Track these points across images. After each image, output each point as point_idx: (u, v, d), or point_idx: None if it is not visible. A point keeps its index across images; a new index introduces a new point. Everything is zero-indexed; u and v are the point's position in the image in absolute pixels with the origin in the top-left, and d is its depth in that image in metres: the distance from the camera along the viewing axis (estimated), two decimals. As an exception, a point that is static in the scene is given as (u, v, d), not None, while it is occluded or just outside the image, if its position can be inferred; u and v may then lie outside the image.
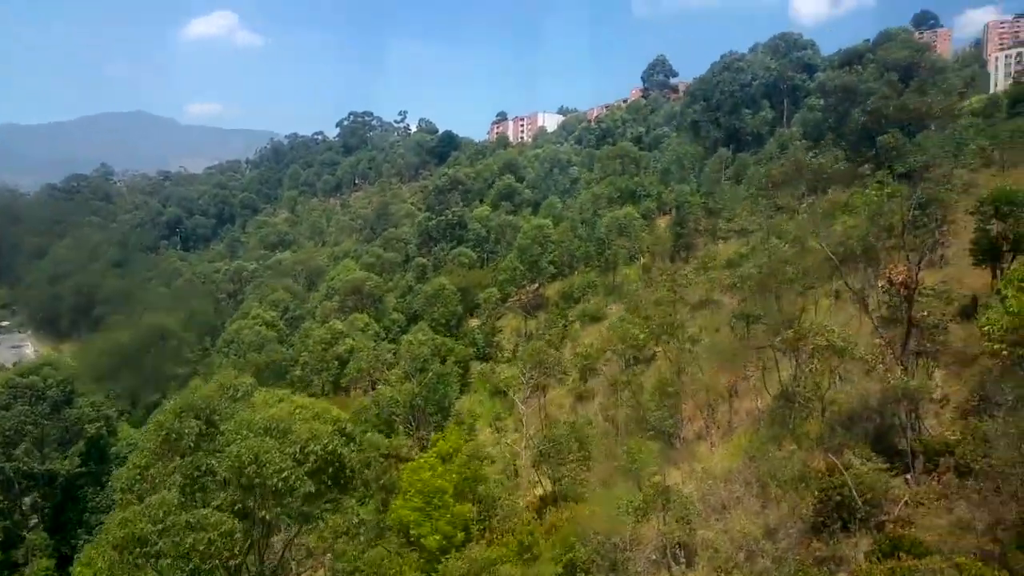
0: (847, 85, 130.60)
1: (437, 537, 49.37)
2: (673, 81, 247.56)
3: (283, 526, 42.89)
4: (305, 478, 35.57)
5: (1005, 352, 35.60)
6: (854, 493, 35.57)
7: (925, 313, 44.48)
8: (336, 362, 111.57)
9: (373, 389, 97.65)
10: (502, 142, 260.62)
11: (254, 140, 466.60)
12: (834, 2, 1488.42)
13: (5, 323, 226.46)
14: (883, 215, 47.79)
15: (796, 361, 51.76)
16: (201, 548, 32.55)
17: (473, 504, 54.20)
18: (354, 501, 52.59)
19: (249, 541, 36.78)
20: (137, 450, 47.10)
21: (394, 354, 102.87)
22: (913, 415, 40.21)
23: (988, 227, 53.46)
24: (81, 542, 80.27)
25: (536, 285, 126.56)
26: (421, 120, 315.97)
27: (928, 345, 44.99)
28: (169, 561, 33.44)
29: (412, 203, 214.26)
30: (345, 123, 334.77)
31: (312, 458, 36.38)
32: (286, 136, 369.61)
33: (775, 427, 50.52)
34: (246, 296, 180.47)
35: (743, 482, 45.06)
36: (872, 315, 47.64)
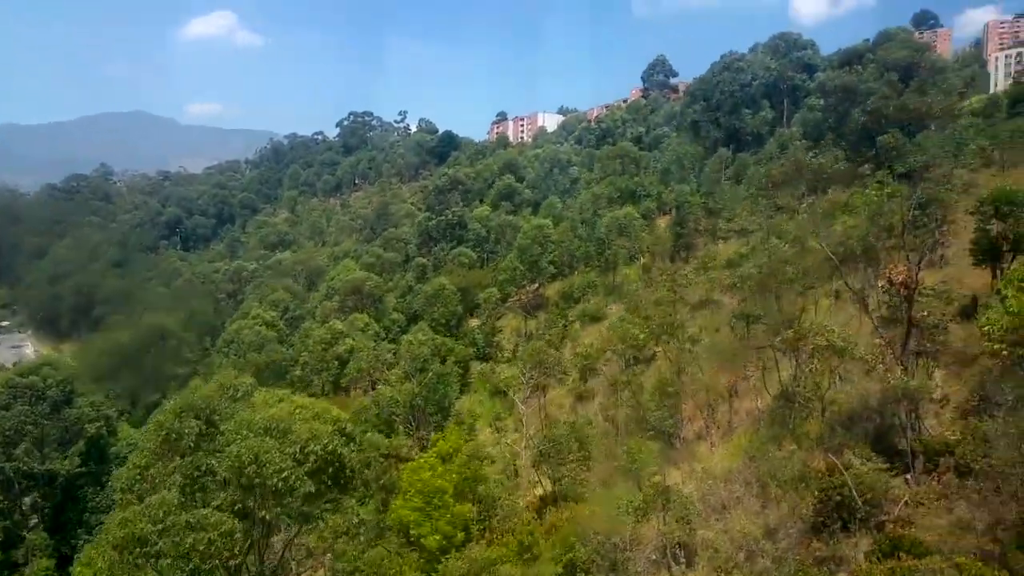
0: (847, 85, 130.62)
1: (437, 537, 49.37)
2: (673, 81, 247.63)
3: (283, 526, 42.89)
4: (305, 478, 35.56)
5: (1005, 352, 35.59)
6: (854, 493, 35.57)
7: (925, 313, 44.48)
8: (336, 362, 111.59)
9: (373, 389, 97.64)
10: (502, 142, 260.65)
11: (254, 140, 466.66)
12: (834, 2, 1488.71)
13: (5, 323, 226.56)
14: (883, 215, 47.77)
15: (796, 361, 51.75)
16: (201, 548, 32.55)
17: (473, 504, 54.20)
18: (354, 501, 52.65)
19: (249, 541, 36.77)
20: (137, 450, 47.10)
21: (394, 354, 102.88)
22: (913, 415, 40.20)
23: (988, 227, 53.45)
24: (81, 542, 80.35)
25: (536, 285, 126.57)
26: (421, 120, 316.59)
27: (928, 345, 44.97)
28: (169, 561, 33.43)
29: (412, 203, 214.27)
30: (345, 123, 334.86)
31: (312, 458, 36.37)
32: (286, 136, 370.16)
33: (775, 427, 50.51)
34: (246, 296, 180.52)
35: (743, 482, 45.05)
36: (872, 315, 47.62)
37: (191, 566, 33.85)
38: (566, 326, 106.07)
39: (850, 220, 57.57)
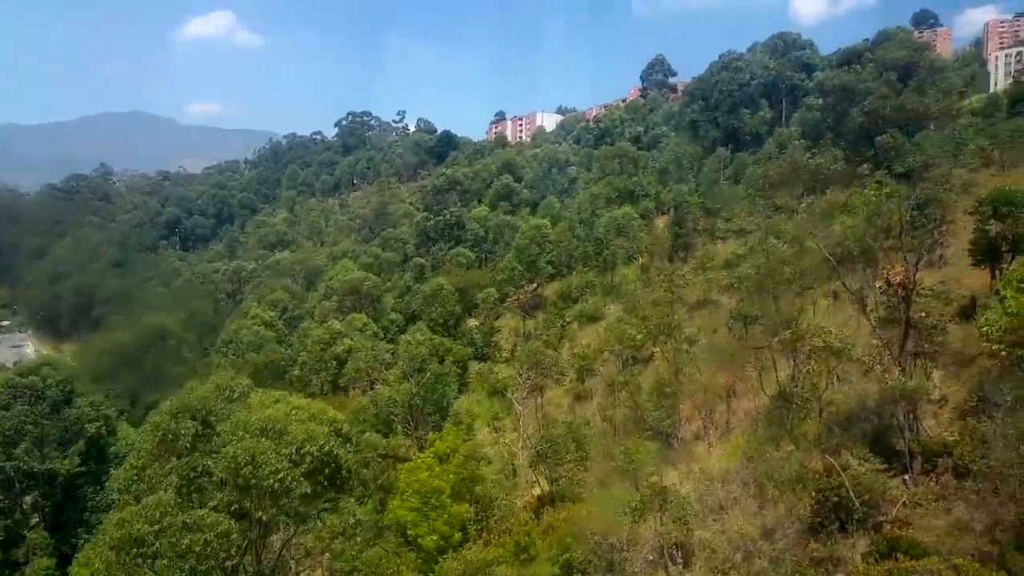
0: (845, 85, 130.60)
1: (434, 537, 49.33)
2: (672, 81, 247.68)
3: (281, 526, 42.86)
4: (301, 479, 35.56)
5: (1004, 353, 35.51)
6: (851, 494, 35.49)
7: (923, 314, 44.39)
8: (334, 362, 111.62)
9: (372, 389, 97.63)
10: (500, 142, 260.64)
11: (253, 140, 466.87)
12: (834, 2, 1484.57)
13: (6, 323, 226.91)
14: (880, 216, 47.67)
15: (794, 362, 51.69)
16: (197, 549, 32.52)
17: (470, 504, 54.15)
18: (353, 500, 52.69)
19: (246, 542, 36.72)
20: (134, 451, 47.05)
21: (392, 354, 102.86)
22: (911, 416, 40.11)
23: (987, 227, 53.37)
24: (81, 541, 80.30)
25: (534, 285, 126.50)
26: (420, 120, 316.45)
27: (926, 346, 44.89)
28: (166, 562, 33.42)
29: (410, 203, 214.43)
30: (344, 123, 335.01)
31: (308, 459, 36.37)
32: (285, 136, 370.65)
33: (773, 428, 50.40)
34: (245, 296, 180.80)
35: (740, 482, 44.96)
36: (870, 316, 47.53)
37: (188, 567, 33.84)
38: (564, 326, 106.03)
39: (848, 220, 57.48)
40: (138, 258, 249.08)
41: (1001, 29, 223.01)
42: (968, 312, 50.31)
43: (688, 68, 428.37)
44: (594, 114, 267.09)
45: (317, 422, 38.90)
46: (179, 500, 35.52)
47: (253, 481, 34.24)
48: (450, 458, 55.94)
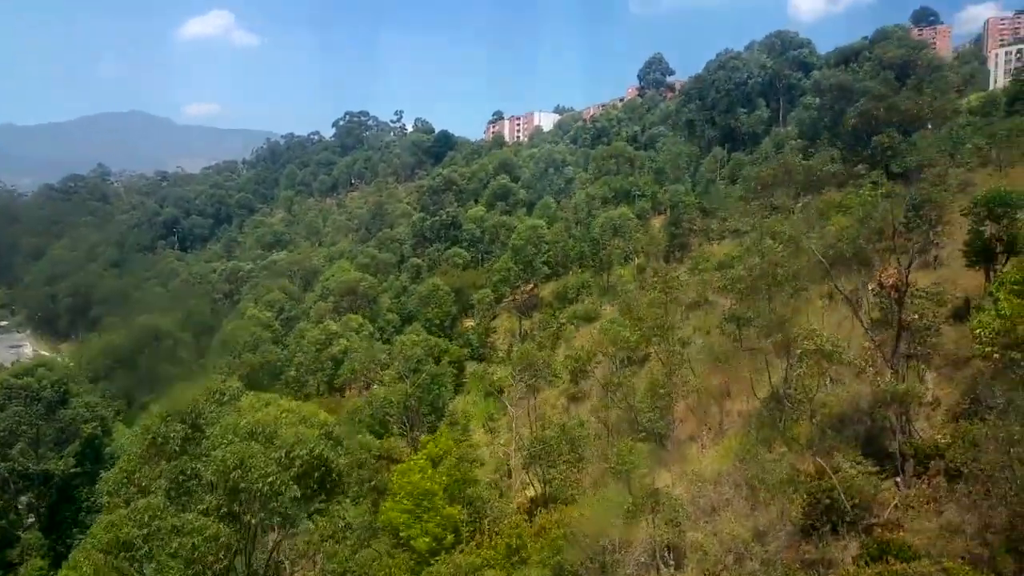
0: (842, 84, 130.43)
1: (427, 539, 49.14)
2: (670, 79, 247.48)
3: (274, 527, 42.73)
4: (291, 482, 35.43)
5: (996, 355, 35.41)
6: (843, 496, 35.41)
7: (917, 316, 44.21)
8: (331, 363, 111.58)
9: (368, 390, 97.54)
10: (498, 142, 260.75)
11: (251, 140, 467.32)
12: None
13: (4, 323, 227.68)
14: (874, 217, 47.54)
15: (788, 363, 51.57)
16: (184, 553, 32.39)
17: (463, 506, 54.01)
18: (348, 501, 52.57)
19: (235, 546, 36.58)
20: (124, 454, 46.98)
21: (388, 355, 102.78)
22: (903, 418, 39.98)
23: (981, 228, 53.21)
24: (76, 542, 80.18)
25: (531, 286, 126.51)
26: (417, 120, 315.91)
27: (919, 348, 44.72)
28: (155, 565, 33.32)
29: (408, 203, 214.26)
30: (341, 123, 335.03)
31: (298, 462, 36.21)
32: (282, 136, 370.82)
33: (765, 429, 50.31)
34: (242, 296, 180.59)
35: (733, 484, 44.77)
36: (864, 318, 47.40)
37: (176, 570, 33.72)
38: (559, 327, 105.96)
39: (844, 220, 57.37)
40: (136, 258, 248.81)
41: (1001, 26, 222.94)
42: (962, 313, 50.11)
43: (686, 67, 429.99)
44: (591, 114, 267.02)
45: (308, 425, 38.74)
46: (168, 504, 35.39)
47: (242, 485, 34.11)
48: (443, 460, 55.78)
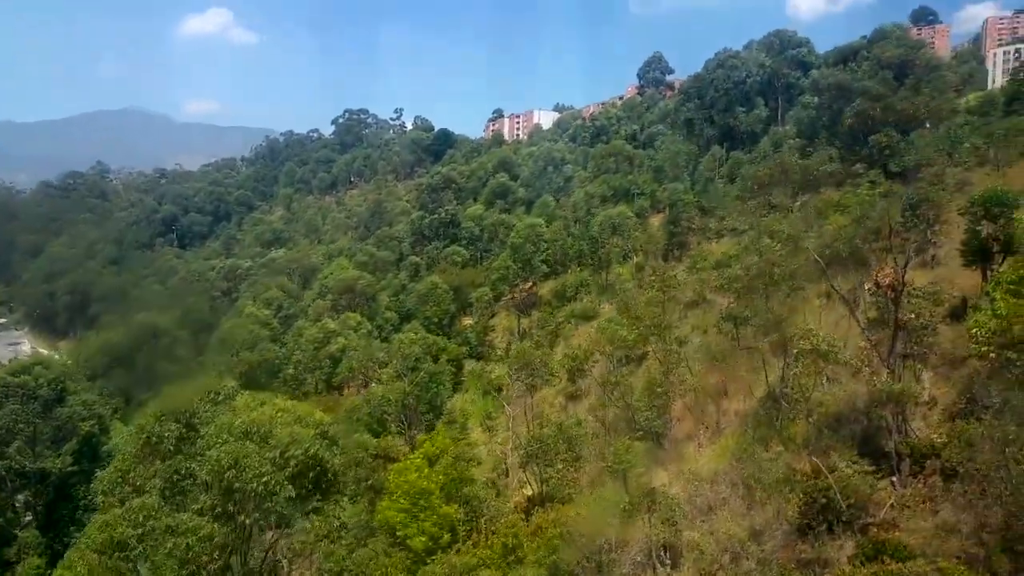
0: (841, 83, 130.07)
1: (423, 538, 49.19)
2: (669, 78, 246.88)
3: (271, 526, 42.67)
4: (285, 482, 35.38)
5: (993, 355, 35.39)
6: (839, 496, 35.38)
7: (913, 315, 44.10)
8: (329, 361, 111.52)
9: (366, 388, 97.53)
10: (497, 140, 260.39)
11: (250, 137, 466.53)
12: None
13: (2, 320, 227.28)
14: (871, 217, 47.51)
15: (785, 362, 51.49)
16: (179, 553, 32.35)
17: (460, 505, 54.02)
18: (346, 499, 52.48)
19: (230, 546, 36.53)
20: (119, 453, 46.94)
21: (386, 353, 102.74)
22: (900, 418, 39.94)
23: (978, 228, 53.08)
24: (74, 540, 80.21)
25: (529, 284, 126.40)
26: (417, 118, 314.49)
27: (916, 347, 44.64)
28: (149, 565, 33.29)
29: (407, 201, 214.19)
30: (341, 120, 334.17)
31: (293, 462, 36.17)
32: (282, 133, 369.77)
33: (762, 429, 50.21)
34: (241, 294, 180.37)
35: (729, 483, 44.82)
36: (860, 317, 47.33)
37: (171, 570, 33.68)
38: (558, 326, 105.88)
39: (841, 220, 57.32)
40: (134, 256, 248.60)
41: (1000, 25, 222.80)
42: (959, 313, 49.99)
43: (686, 66, 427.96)
44: (591, 112, 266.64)
45: (303, 425, 38.71)
46: (163, 503, 35.35)
47: (237, 484, 34.05)
48: (440, 459, 55.79)
